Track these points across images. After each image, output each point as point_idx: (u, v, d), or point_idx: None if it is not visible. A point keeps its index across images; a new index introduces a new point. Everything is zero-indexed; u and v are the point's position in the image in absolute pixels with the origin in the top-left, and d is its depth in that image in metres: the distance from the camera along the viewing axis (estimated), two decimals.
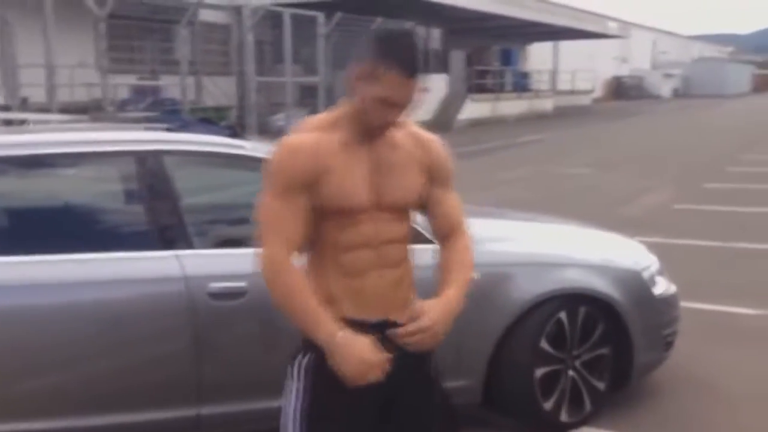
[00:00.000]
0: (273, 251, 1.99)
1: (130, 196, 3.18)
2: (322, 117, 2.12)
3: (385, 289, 2.07)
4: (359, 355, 1.94)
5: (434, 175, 2.17)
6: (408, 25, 22.88)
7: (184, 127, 3.42)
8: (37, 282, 2.83)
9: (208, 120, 3.74)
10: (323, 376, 2.02)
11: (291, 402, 2.08)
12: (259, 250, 2.03)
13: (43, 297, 2.83)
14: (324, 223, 2.04)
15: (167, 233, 3.01)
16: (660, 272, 3.93)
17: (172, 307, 2.92)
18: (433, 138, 2.22)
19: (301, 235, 2.03)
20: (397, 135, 2.10)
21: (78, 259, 2.90)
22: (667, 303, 3.89)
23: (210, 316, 2.93)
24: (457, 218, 2.26)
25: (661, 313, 3.84)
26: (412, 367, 2.10)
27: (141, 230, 3.05)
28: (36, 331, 2.81)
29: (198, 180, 3.38)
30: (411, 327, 2.03)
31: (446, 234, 2.23)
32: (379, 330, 2.04)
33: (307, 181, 2.00)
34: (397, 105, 1.97)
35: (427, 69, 2.08)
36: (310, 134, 2.05)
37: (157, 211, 3.03)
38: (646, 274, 3.81)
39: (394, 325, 2.05)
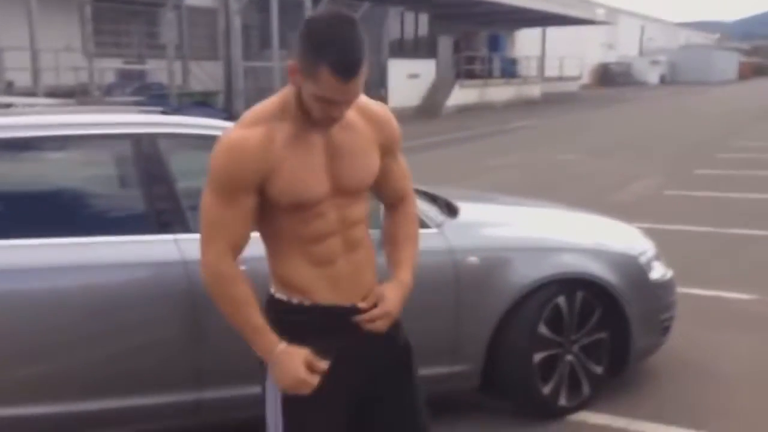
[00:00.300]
0: (215, 259, 1.93)
1: (126, 180, 3.13)
2: (267, 106, 1.96)
3: (355, 274, 2.04)
4: (294, 373, 1.95)
5: (386, 148, 2.10)
6: (396, 10, 22.86)
7: (179, 110, 3.35)
8: (33, 266, 2.79)
9: (204, 103, 3.68)
10: None
11: (270, 390, 2.05)
12: (202, 255, 1.95)
13: (40, 281, 2.79)
14: (284, 218, 1.96)
15: (165, 217, 2.97)
16: (657, 257, 3.93)
17: (171, 292, 2.88)
18: (381, 110, 2.11)
19: (245, 238, 1.97)
20: (352, 113, 1.99)
21: (75, 242, 2.85)
22: (664, 288, 3.89)
23: (208, 300, 2.87)
24: (406, 185, 2.20)
25: (658, 298, 3.84)
26: (384, 345, 2.11)
27: (139, 214, 3.00)
28: (32, 315, 2.77)
29: (194, 163, 3.32)
30: (375, 312, 2.04)
31: (394, 202, 2.20)
32: (351, 314, 2.03)
33: (254, 182, 1.90)
34: (337, 103, 1.85)
35: (365, 60, 1.96)
36: (256, 129, 1.90)
37: (155, 194, 2.99)
38: (642, 259, 3.81)
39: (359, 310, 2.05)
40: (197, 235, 2.91)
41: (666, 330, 3.91)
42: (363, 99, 2.05)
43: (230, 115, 3.58)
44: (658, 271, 3.85)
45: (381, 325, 2.05)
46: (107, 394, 2.87)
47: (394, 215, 2.20)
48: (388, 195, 2.18)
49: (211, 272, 1.95)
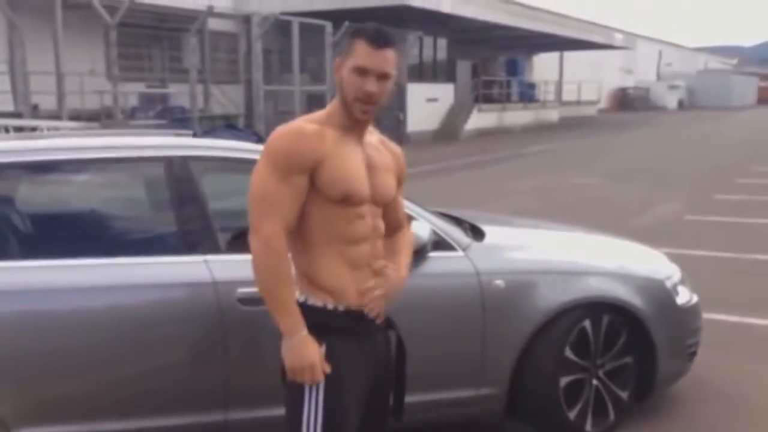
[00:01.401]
0: (272, 231, 2.08)
1: (158, 201, 3.18)
2: (315, 114, 2.25)
3: (376, 282, 2.24)
4: (311, 357, 2.11)
5: (398, 180, 2.40)
6: (415, 35, 23.01)
7: (210, 133, 3.41)
8: (64, 286, 2.83)
9: (234, 126, 3.75)
10: (336, 364, 2.16)
11: (306, 390, 2.16)
12: (255, 228, 2.10)
13: (71, 301, 2.83)
14: (330, 213, 2.16)
15: (196, 238, 3.01)
16: (682, 282, 3.92)
17: (201, 312, 2.92)
18: (397, 147, 2.43)
19: (296, 218, 2.14)
20: (375, 140, 2.31)
21: (107, 263, 2.90)
22: (690, 313, 3.88)
23: (239, 321, 2.92)
24: (404, 216, 2.54)
25: (684, 323, 3.83)
26: (387, 342, 2.36)
27: (170, 235, 3.05)
28: (67, 334, 2.81)
29: (224, 185, 3.38)
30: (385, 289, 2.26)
31: (395, 229, 2.45)
32: (373, 318, 2.24)
33: (310, 164, 2.11)
34: (370, 73, 2.12)
35: (395, 40, 2.14)
36: (309, 124, 2.18)
37: (186, 216, 3.03)
38: (668, 284, 3.80)
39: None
40: (227, 257, 3.02)
41: (692, 356, 3.89)
42: (380, 135, 2.37)
43: (260, 138, 3.65)
44: (684, 296, 3.84)
45: (382, 304, 2.26)
46: (136, 414, 2.90)
47: (394, 237, 2.45)
48: (391, 222, 2.40)
49: (266, 244, 2.09)
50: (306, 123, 2.19)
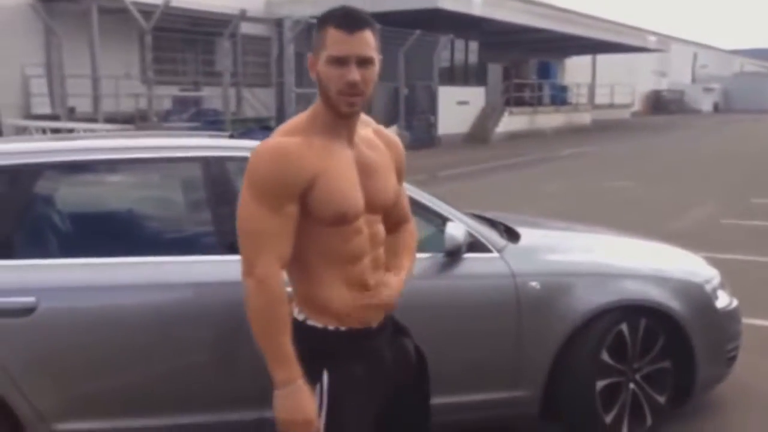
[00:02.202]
0: (269, 274, 1.88)
1: (195, 202, 3.22)
2: (297, 120, 2.01)
3: (381, 296, 2.05)
4: (306, 411, 1.91)
5: (398, 172, 2.17)
6: (446, 38, 22.97)
7: (246, 134, 3.44)
8: (107, 284, 2.88)
9: (269, 128, 3.76)
10: (341, 391, 1.99)
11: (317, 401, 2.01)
12: (248, 267, 1.90)
13: (113, 298, 2.88)
14: (325, 234, 1.95)
15: (233, 238, 3.02)
16: (721, 285, 3.86)
17: (238, 310, 2.92)
18: (394, 136, 2.21)
19: (290, 251, 1.92)
20: (369, 133, 2.08)
21: (146, 261, 2.94)
22: (730, 317, 3.81)
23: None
24: (408, 208, 2.28)
25: (723, 328, 3.76)
26: (404, 357, 2.18)
27: (208, 235, 3.08)
28: (106, 331, 2.86)
29: None
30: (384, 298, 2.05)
31: (398, 222, 2.23)
32: (378, 334, 2.07)
33: (299, 187, 1.89)
34: (349, 60, 1.88)
35: (368, 20, 2.01)
36: (292, 138, 1.92)
37: (223, 215, 3.05)
38: (708, 287, 3.74)
39: (385, 325, 2.10)
40: None
41: (731, 360, 3.82)
42: (376, 124, 2.15)
43: None
44: (724, 300, 3.78)
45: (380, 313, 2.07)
46: (172, 411, 2.93)
47: (397, 231, 2.22)
48: (394, 216, 2.20)
49: (263, 286, 1.88)
50: (287, 137, 1.93)
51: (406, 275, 2.14)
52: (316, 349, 1.98)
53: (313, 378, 1.98)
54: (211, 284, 2.97)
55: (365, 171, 2.00)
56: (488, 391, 3.32)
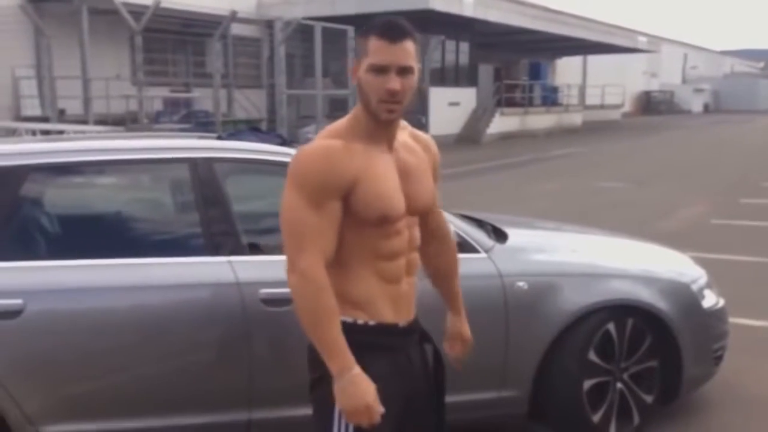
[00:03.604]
0: (311, 266, 1.91)
1: (182, 203, 3.22)
2: (338, 125, 2.06)
3: (410, 296, 2.13)
4: (365, 397, 1.93)
5: (434, 173, 2.22)
6: (437, 39, 23.00)
7: (234, 135, 3.44)
8: (93, 286, 2.87)
9: (258, 128, 3.76)
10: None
11: (336, 412, 2.00)
12: (292, 264, 1.93)
13: (99, 300, 2.87)
14: (364, 231, 2.00)
15: (220, 239, 3.03)
16: (709, 285, 3.88)
17: (225, 313, 2.94)
18: (428, 137, 2.25)
19: (334, 247, 1.97)
20: (406, 137, 2.14)
21: (132, 263, 2.94)
22: (716, 317, 3.83)
23: (262, 321, 2.94)
24: (443, 216, 2.36)
25: (710, 327, 3.78)
26: (424, 358, 2.25)
27: (195, 236, 3.07)
28: (92, 333, 2.85)
29: (247, 187, 3.40)
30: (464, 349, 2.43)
31: (435, 227, 2.29)
32: (407, 333, 2.12)
33: (343, 186, 1.94)
34: (390, 69, 1.93)
35: (411, 30, 2.07)
36: (335, 140, 1.98)
37: (210, 217, 3.06)
38: (694, 287, 3.76)
39: (412, 327, 2.16)
40: (251, 257, 3.04)
41: (718, 360, 3.85)
42: (412, 128, 2.20)
43: (284, 139, 3.67)
44: (711, 300, 3.80)
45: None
46: (159, 413, 2.93)
47: (436, 245, 2.29)
48: (431, 221, 2.25)
49: (308, 280, 1.91)
50: (330, 139, 1.99)
51: (461, 300, 2.42)
52: (346, 340, 2.00)
53: (327, 382, 2.00)
54: (199, 286, 2.97)
55: (405, 174, 2.07)
56: (476, 391, 3.32)
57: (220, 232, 3.06)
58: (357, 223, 1.99)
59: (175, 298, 2.95)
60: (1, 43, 16.18)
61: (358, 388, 1.93)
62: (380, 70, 1.94)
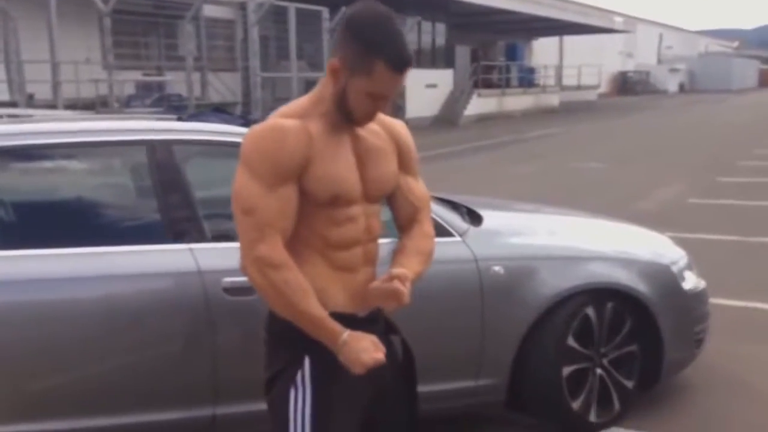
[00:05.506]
0: (270, 249, 1.82)
1: (140, 188, 3.05)
2: (297, 104, 1.96)
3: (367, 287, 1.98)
4: (367, 354, 1.88)
5: (402, 161, 2.09)
6: (413, 20, 22.77)
7: (196, 117, 3.27)
8: (44, 276, 2.70)
9: (221, 110, 3.60)
10: (325, 377, 1.94)
11: (291, 407, 1.95)
12: (248, 249, 1.84)
13: (51, 292, 2.70)
14: (316, 216, 1.91)
15: (181, 226, 2.87)
16: (689, 267, 3.79)
17: (186, 303, 2.78)
18: (399, 122, 2.14)
19: (290, 229, 1.88)
20: (372, 122, 2.02)
21: (87, 252, 2.77)
22: (697, 299, 3.75)
23: (225, 311, 2.80)
24: (423, 207, 2.15)
25: (691, 309, 3.70)
26: (391, 351, 2.11)
27: (153, 223, 2.91)
28: (44, 328, 2.68)
29: (210, 171, 3.24)
30: (397, 278, 1.90)
31: (410, 219, 2.13)
32: (365, 323, 1.98)
33: (298, 165, 1.85)
34: (385, 98, 1.90)
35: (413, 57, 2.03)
36: (290, 120, 1.89)
37: (170, 203, 2.90)
38: (675, 269, 3.67)
39: (374, 317, 2.02)
40: (213, 245, 2.89)
41: (699, 342, 3.77)
42: (379, 114, 2.06)
43: (247, 121, 3.53)
44: (691, 282, 3.71)
45: (404, 296, 1.89)
46: (121, 410, 2.77)
47: (409, 231, 2.12)
48: (403, 214, 2.12)
49: (267, 263, 1.82)
50: (284, 118, 1.89)
51: (413, 278, 1.97)
52: (297, 334, 1.91)
53: (294, 365, 1.94)
54: (159, 275, 2.81)
55: (363, 157, 1.97)
56: (452, 380, 3.21)
57: (181, 219, 2.90)
58: (308, 205, 1.90)
59: (133, 288, 2.78)
60: None
61: (357, 350, 1.87)
62: (379, 97, 1.88)
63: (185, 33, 18.38)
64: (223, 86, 21.18)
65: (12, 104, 15.88)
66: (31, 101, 16.32)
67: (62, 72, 16.61)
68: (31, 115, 13.53)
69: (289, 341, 1.96)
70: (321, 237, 1.93)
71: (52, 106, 15.76)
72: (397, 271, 1.93)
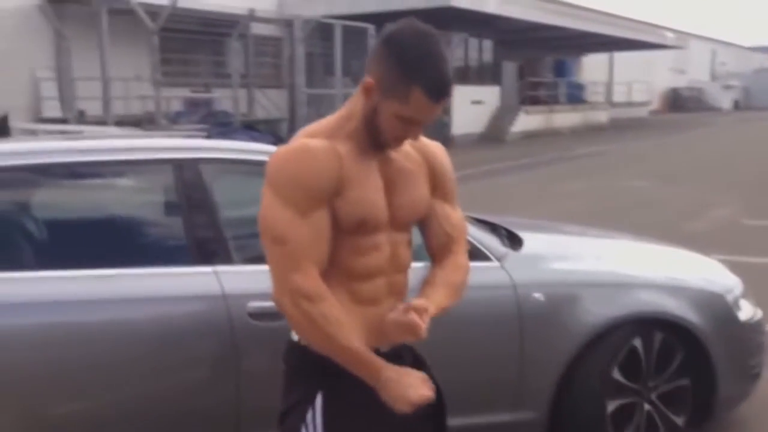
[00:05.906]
0: (305, 280, 1.71)
1: (165, 208, 2.97)
2: (325, 123, 1.85)
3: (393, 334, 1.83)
4: (412, 390, 1.75)
5: (437, 185, 1.96)
6: (459, 37, 22.67)
7: (224, 135, 3.18)
8: (68, 299, 2.62)
9: (251, 127, 3.51)
10: (337, 417, 1.81)
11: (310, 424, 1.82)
12: (281, 280, 1.72)
13: (70, 315, 2.62)
14: (338, 244, 1.78)
15: (206, 247, 2.77)
16: (744, 295, 3.56)
17: (210, 328, 2.68)
18: (436, 143, 2.01)
19: (326, 256, 1.76)
20: (405, 144, 1.90)
21: (110, 274, 2.68)
22: (754, 329, 3.52)
23: (250, 336, 2.68)
24: (458, 238, 2.01)
25: (746, 341, 3.47)
26: None
27: (178, 244, 2.82)
28: (68, 350, 2.59)
29: (237, 190, 3.14)
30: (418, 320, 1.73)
31: (443, 248, 1.98)
32: (389, 359, 1.82)
33: (329, 189, 1.74)
34: (420, 125, 1.78)
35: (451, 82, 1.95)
36: (317, 140, 1.77)
37: (195, 223, 2.80)
38: (729, 298, 3.44)
39: (398, 353, 1.88)
40: (239, 267, 2.77)
41: (755, 377, 3.53)
42: None
43: (277, 139, 3.49)
44: (747, 311, 3.48)
45: (420, 329, 1.74)
46: None
47: (441, 261, 1.98)
48: (436, 243, 1.98)
49: (302, 295, 1.70)
50: (310, 139, 1.78)
51: (435, 311, 1.83)
52: (312, 369, 1.81)
53: (306, 402, 1.82)
54: (182, 299, 2.72)
55: (391, 181, 1.85)
56: (489, 413, 3.04)
57: (206, 240, 2.80)
58: (336, 231, 1.77)
59: (156, 312, 2.69)
60: (21, 45, 16.17)
61: (399, 386, 1.75)
62: (413, 122, 1.76)
63: (232, 50, 18.61)
64: (270, 103, 21.36)
65: (63, 121, 16.24)
66: (82, 118, 16.67)
67: (112, 89, 16.93)
68: (81, 131, 13.63)
69: (304, 375, 1.86)
70: (343, 266, 1.81)
71: (103, 122, 16.06)
72: (417, 302, 1.78)
